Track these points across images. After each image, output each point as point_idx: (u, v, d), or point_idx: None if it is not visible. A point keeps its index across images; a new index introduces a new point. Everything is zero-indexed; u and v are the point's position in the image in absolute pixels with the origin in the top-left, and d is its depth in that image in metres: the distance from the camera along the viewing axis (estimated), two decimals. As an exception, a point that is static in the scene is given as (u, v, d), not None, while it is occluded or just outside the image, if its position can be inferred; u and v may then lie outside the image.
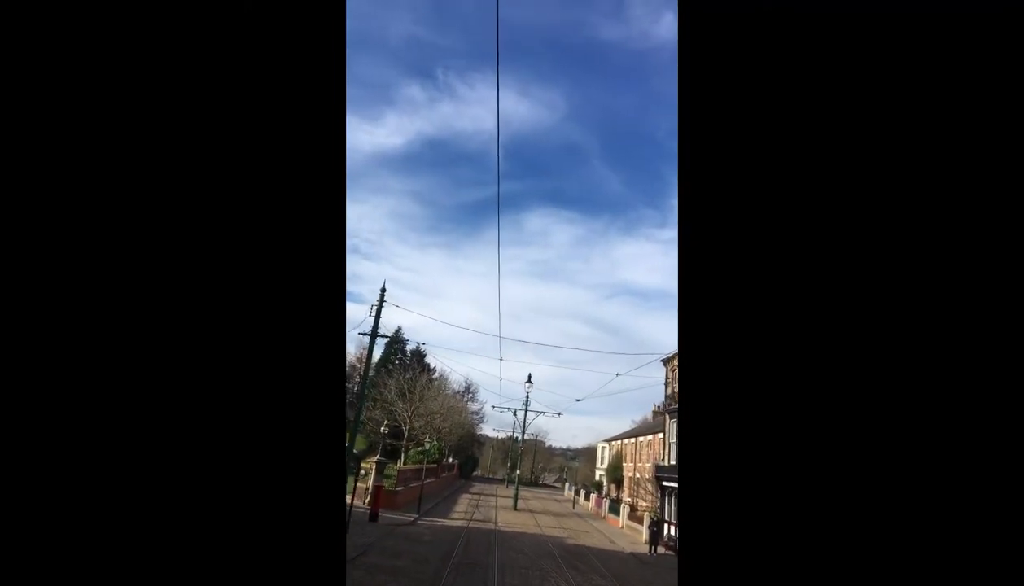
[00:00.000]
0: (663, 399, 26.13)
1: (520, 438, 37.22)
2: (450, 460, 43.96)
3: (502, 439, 61.97)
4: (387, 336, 17.71)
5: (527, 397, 32.64)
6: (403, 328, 43.96)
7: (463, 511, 24.91)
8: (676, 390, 23.20)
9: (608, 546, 19.16)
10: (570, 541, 18.90)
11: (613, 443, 42.00)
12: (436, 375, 39.31)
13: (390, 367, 36.07)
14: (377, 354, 39.78)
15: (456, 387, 45.95)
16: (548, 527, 22.52)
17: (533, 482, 64.76)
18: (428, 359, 40.28)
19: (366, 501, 18.59)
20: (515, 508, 28.98)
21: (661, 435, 25.70)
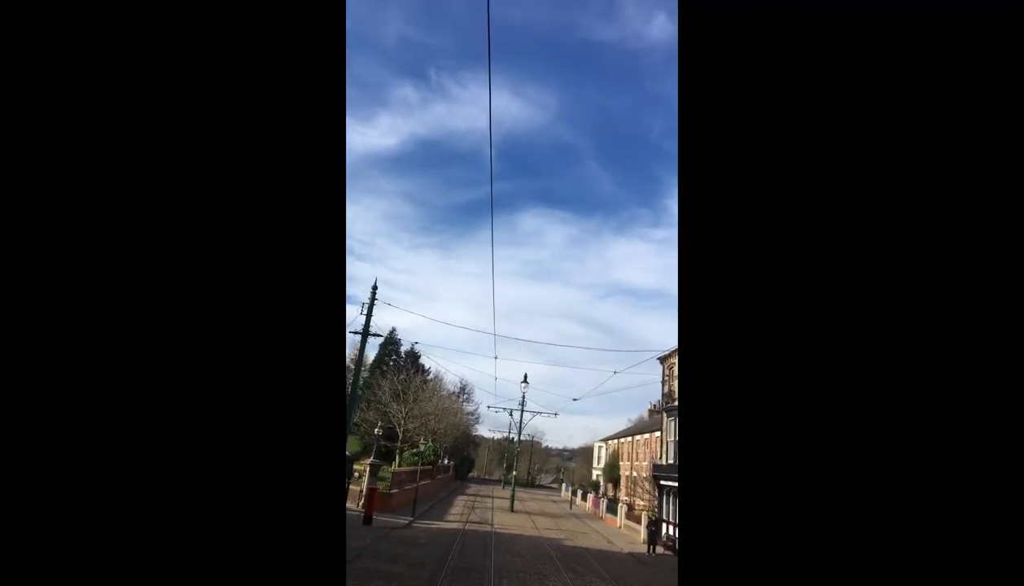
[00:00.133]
0: (660, 397, 25.98)
1: (516, 439, 37.00)
2: (446, 461, 43.67)
3: (498, 440, 61.94)
4: (378, 334, 17.50)
5: (523, 397, 32.45)
6: (397, 329, 43.70)
7: (459, 513, 24.72)
8: (673, 388, 23.04)
9: (606, 547, 19.01)
10: (568, 543, 18.73)
11: (609, 442, 41.92)
12: (431, 376, 39.03)
13: (384, 369, 35.68)
14: (372, 355, 39.62)
15: (451, 388, 45.64)
16: (545, 528, 22.39)
17: (530, 483, 64.62)
18: (423, 360, 39.99)
19: (360, 504, 18.32)
20: (512, 509, 28.88)
21: (658, 433, 25.55)
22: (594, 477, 44.69)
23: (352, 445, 28.57)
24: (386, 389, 30.74)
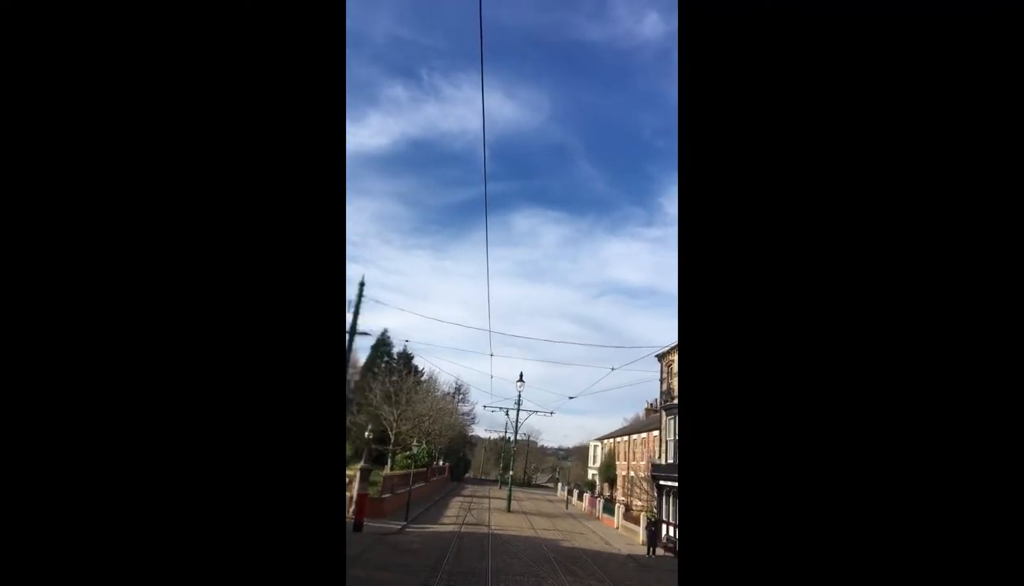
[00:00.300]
0: (658, 395, 25.58)
1: (512, 438, 36.57)
2: (441, 463, 43.09)
3: (494, 440, 61.54)
4: (367, 333, 17.00)
5: (519, 396, 32.08)
6: (390, 330, 43.11)
7: (455, 515, 24.34)
8: (672, 386, 22.65)
9: (604, 548, 18.65)
10: (565, 544, 18.39)
11: (605, 441, 41.59)
12: (425, 377, 38.46)
13: (375, 371, 35.00)
14: (363, 358, 39.01)
15: (446, 388, 45.05)
16: (543, 529, 22.06)
17: (526, 482, 64.27)
18: (417, 361, 39.38)
19: (350, 510, 17.74)
20: (508, 510, 28.62)
21: (656, 432, 25.17)
22: (590, 476, 44.37)
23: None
24: (377, 392, 30.12)
